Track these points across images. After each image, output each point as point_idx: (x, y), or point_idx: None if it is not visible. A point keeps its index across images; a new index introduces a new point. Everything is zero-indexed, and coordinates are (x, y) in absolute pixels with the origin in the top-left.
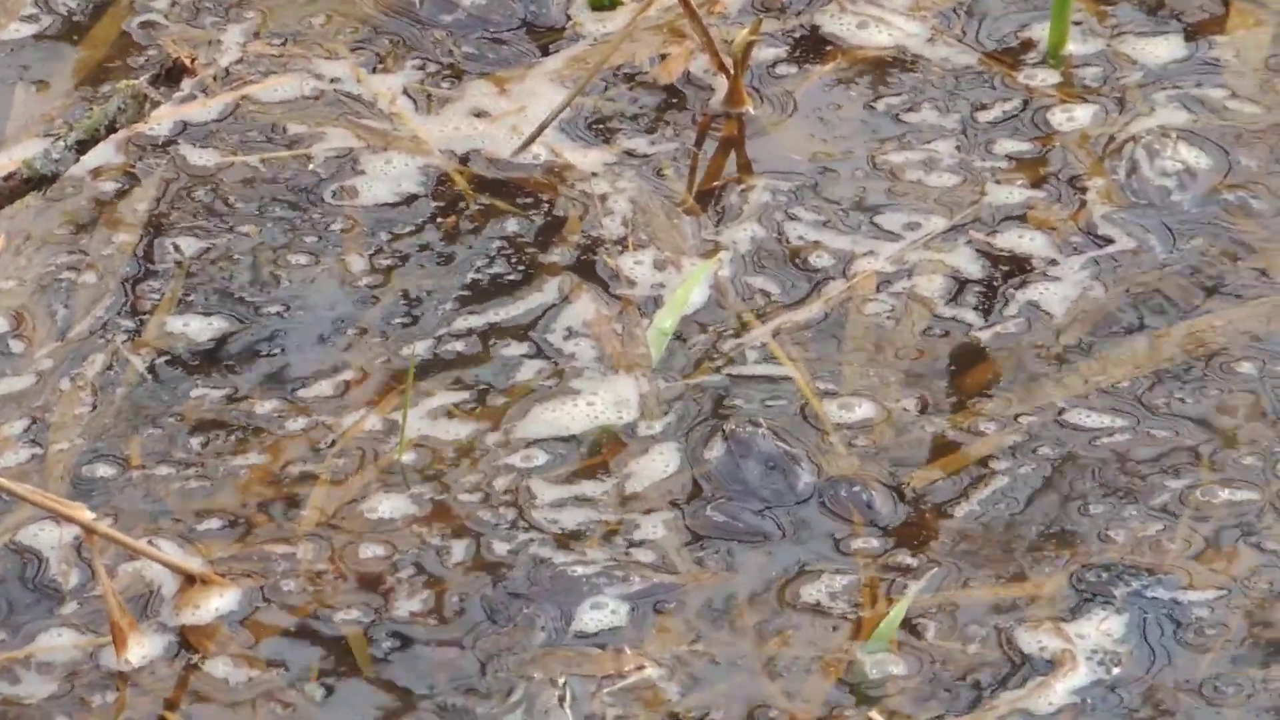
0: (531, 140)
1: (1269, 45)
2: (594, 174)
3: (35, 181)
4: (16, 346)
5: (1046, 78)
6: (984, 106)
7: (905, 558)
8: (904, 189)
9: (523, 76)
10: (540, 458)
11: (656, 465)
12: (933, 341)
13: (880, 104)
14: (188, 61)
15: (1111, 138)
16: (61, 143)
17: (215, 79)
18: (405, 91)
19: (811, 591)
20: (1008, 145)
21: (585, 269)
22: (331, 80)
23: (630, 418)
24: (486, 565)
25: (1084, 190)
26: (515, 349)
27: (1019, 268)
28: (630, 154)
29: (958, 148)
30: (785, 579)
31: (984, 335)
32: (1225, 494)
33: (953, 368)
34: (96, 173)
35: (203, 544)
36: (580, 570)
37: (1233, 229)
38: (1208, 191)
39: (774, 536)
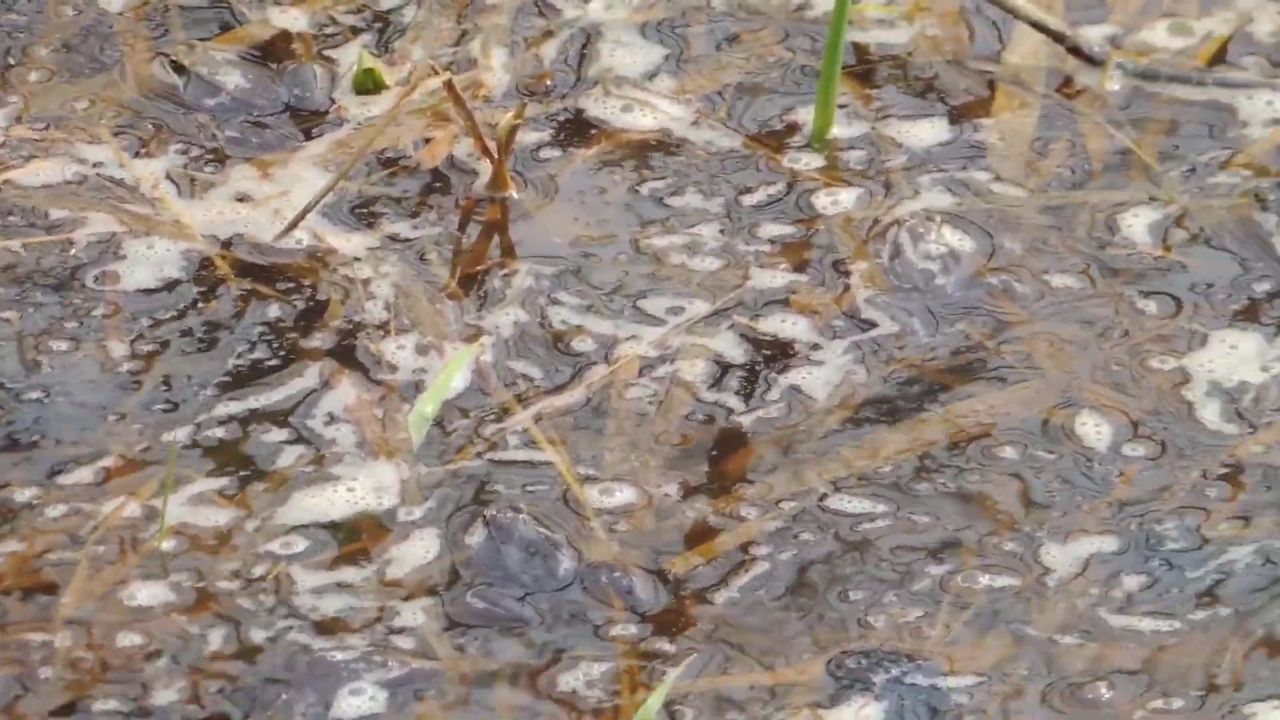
0: (294, 225)
1: (1034, 128)
2: (357, 259)
3: None
4: None
5: (811, 161)
6: (748, 190)
7: (665, 644)
8: (667, 273)
9: (286, 161)
10: (300, 544)
11: (417, 551)
12: (695, 426)
13: (644, 188)
14: None
15: (876, 221)
16: None
17: None
18: (168, 176)
19: (569, 679)
20: (771, 229)
21: (346, 354)
22: (94, 164)
23: (391, 503)
24: (245, 652)
25: (848, 274)
26: (276, 434)
27: (782, 352)
28: (394, 238)
29: (721, 231)
30: (543, 666)
31: (746, 420)
32: (986, 579)
33: (715, 453)
34: None
35: None
36: (339, 656)
37: (996, 312)
38: (972, 275)
39: (534, 623)
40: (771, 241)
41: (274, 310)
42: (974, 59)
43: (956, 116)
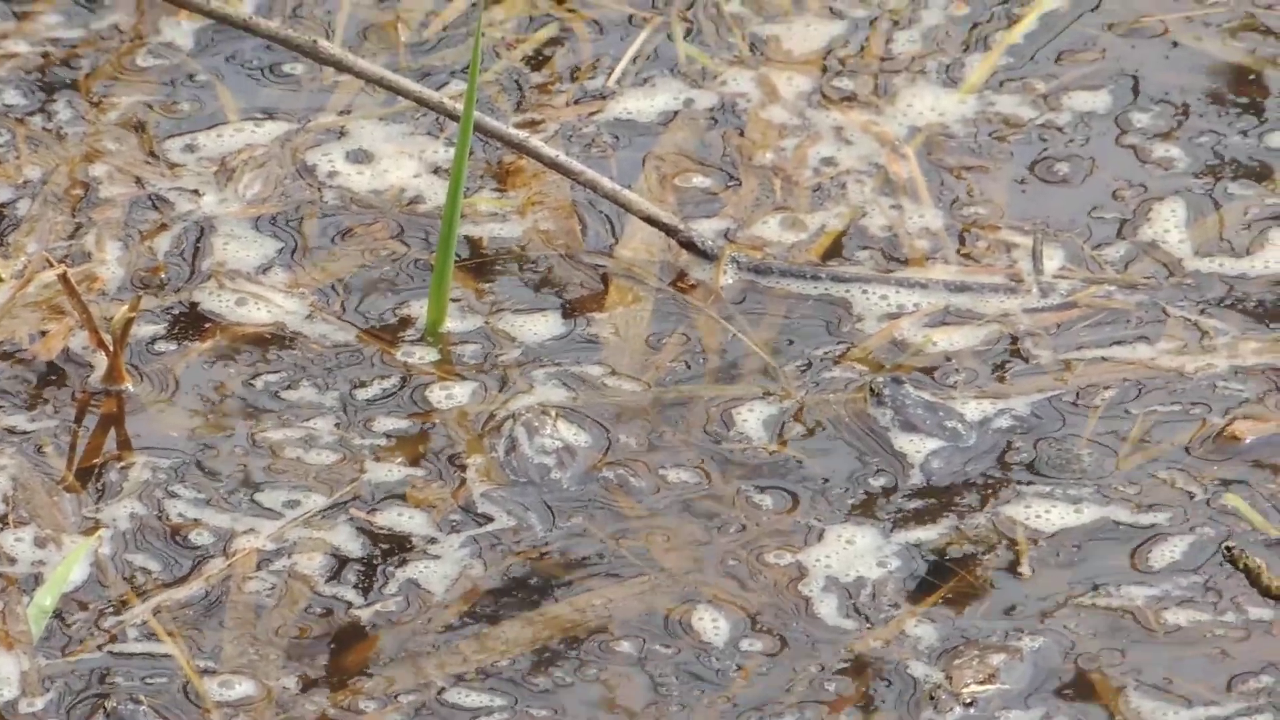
0: None
1: (648, 322)
2: None
3: None
4: None
5: (425, 355)
6: (363, 384)
7: None
8: (284, 466)
9: None
10: None
11: None
12: (314, 619)
13: (259, 381)
14: None
15: (491, 415)
16: None
17: None
18: None
19: None
20: (387, 423)
21: None
22: None
23: (12, 695)
24: None
25: (464, 468)
26: None
27: (400, 545)
28: (10, 431)
29: (337, 425)
30: None
31: (365, 613)
32: None
33: (334, 645)
34: None
35: None
36: None
37: (613, 507)
38: (588, 469)
39: None
40: (387, 435)
41: None
42: (587, 253)
43: (570, 310)
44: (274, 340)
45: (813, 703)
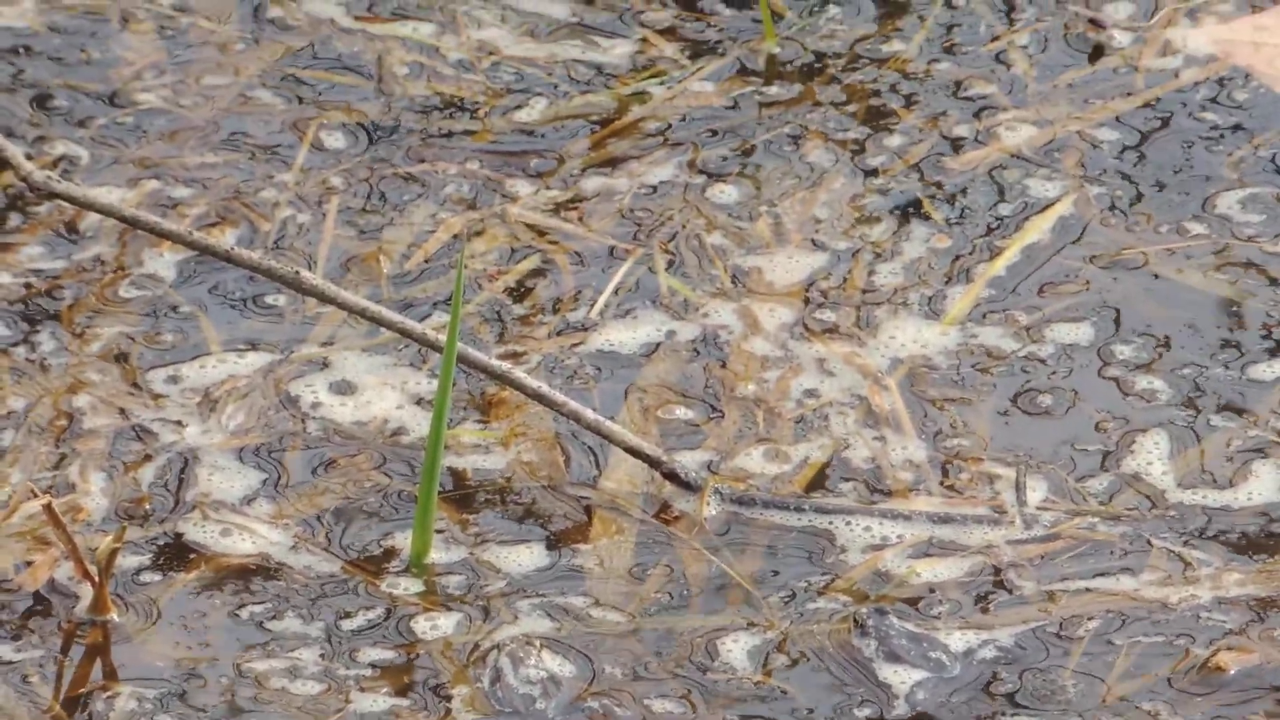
0: None
1: (632, 553)
2: None
3: None
4: None
5: (410, 586)
6: (348, 614)
7: None
8: (269, 696)
9: None
10: None
11: None
12: None
13: (244, 611)
14: None
15: (476, 646)
16: None
17: None
18: None
19: None
20: (372, 654)
21: None
22: None
23: None
24: None
25: (449, 698)
26: None
27: None
28: None
29: (322, 655)
30: None
31: None
32: None
33: None
34: None
35: None
36: None
37: None
38: (573, 699)
39: None
40: (372, 665)
41: None
42: (571, 484)
43: (555, 541)
44: (259, 571)
45: None
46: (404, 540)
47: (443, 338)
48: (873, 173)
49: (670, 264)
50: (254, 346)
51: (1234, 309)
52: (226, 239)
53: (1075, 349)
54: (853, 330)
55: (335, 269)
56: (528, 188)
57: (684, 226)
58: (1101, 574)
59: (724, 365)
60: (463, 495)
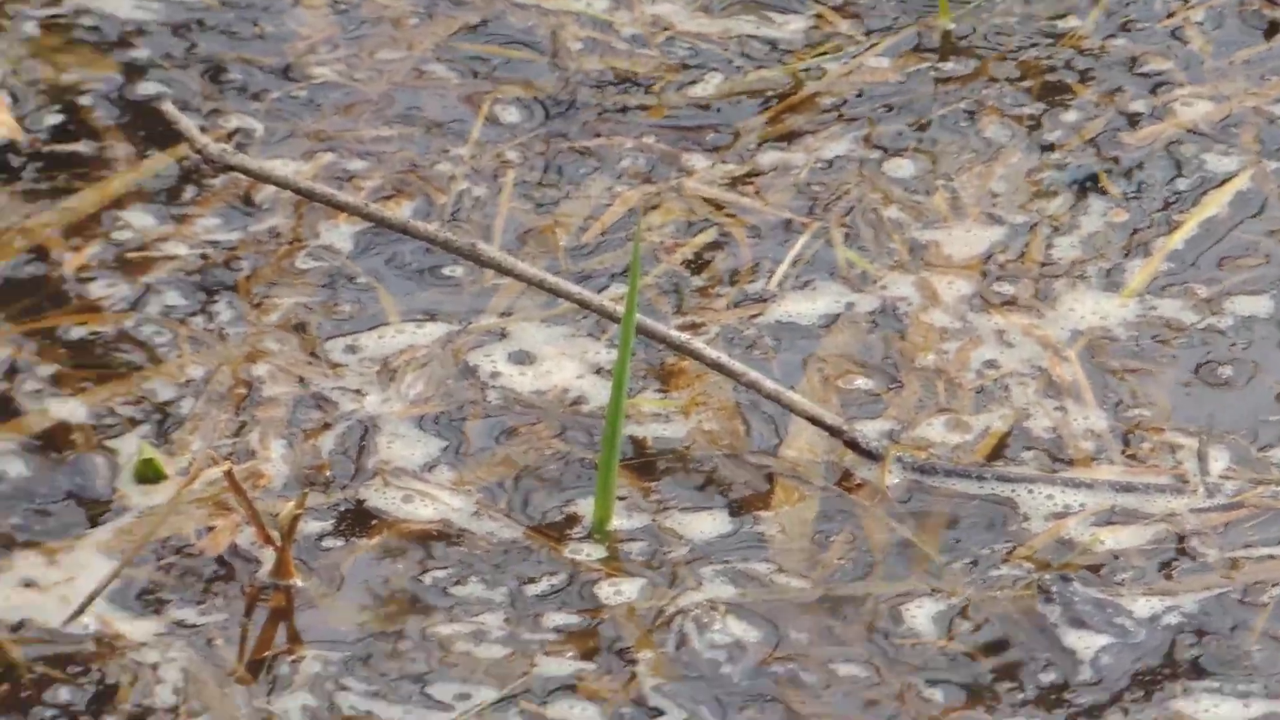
0: (81, 611)
1: (813, 521)
2: (144, 644)
3: None
4: None
5: (592, 552)
6: (531, 580)
7: None
8: (454, 660)
9: (71, 547)
10: None
11: None
12: None
13: (427, 577)
14: None
15: (660, 611)
16: None
17: None
18: None
19: None
20: (556, 618)
21: None
22: None
23: None
24: None
25: (634, 662)
26: None
27: None
28: (180, 624)
29: (506, 620)
30: None
31: None
32: None
33: None
34: None
35: None
36: None
37: (784, 701)
38: (757, 664)
39: None
40: (557, 630)
41: (65, 694)
42: (751, 453)
43: (736, 509)
44: (440, 537)
45: None
46: (585, 507)
47: (621, 308)
48: (1049, 148)
49: (846, 237)
50: (432, 317)
51: None
52: (403, 211)
53: (1255, 321)
54: (1031, 302)
55: (511, 242)
56: (703, 162)
57: (860, 201)
58: None
59: (903, 336)
60: (643, 463)
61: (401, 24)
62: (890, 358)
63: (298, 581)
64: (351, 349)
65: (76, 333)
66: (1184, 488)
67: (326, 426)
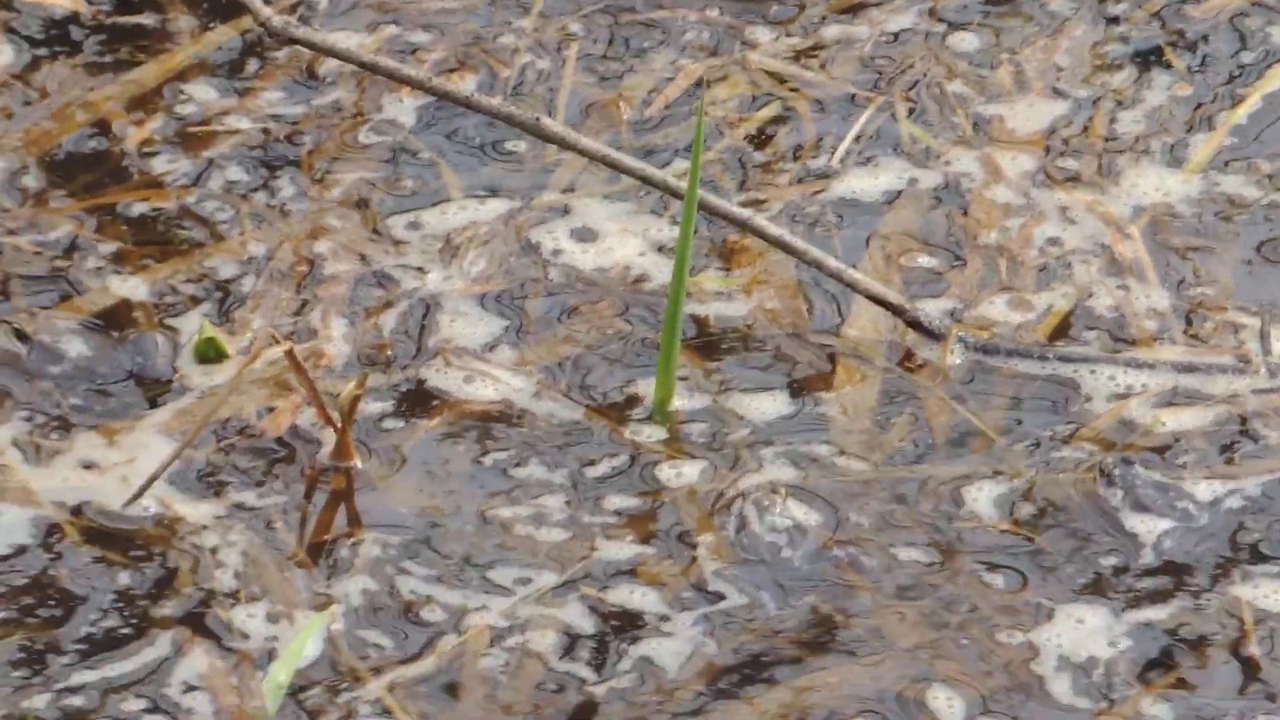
0: (141, 493)
1: (875, 402)
2: (204, 526)
3: None
4: None
5: (653, 434)
6: (591, 462)
7: None
8: (514, 543)
9: (131, 428)
10: None
11: None
12: (548, 696)
13: (488, 458)
14: None
15: (720, 494)
16: None
17: None
18: (14, 443)
19: None
20: (616, 501)
21: (198, 622)
22: None
23: None
24: None
25: (694, 546)
26: (133, 704)
27: (631, 623)
28: (240, 507)
29: (567, 503)
30: None
31: (598, 690)
32: None
33: None
34: None
35: None
36: None
37: (844, 585)
38: (818, 548)
39: None
40: (617, 513)
41: (125, 578)
42: (814, 332)
43: (798, 390)
44: (501, 418)
45: None
46: (646, 388)
47: (683, 184)
48: (1114, 20)
49: (911, 111)
50: (494, 193)
51: None
52: (466, 85)
53: None
54: (1095, 178)
55: (575, 116)
56: (767, 35)
57: (925, 75)
58: None
59: (966, 213)
60: (705, 343)
61: None
62: (953, 235)
63: (358, 463)
64: (413, 225)
65: (138, 209)
66: (1246, 368)
67: (388, 305)
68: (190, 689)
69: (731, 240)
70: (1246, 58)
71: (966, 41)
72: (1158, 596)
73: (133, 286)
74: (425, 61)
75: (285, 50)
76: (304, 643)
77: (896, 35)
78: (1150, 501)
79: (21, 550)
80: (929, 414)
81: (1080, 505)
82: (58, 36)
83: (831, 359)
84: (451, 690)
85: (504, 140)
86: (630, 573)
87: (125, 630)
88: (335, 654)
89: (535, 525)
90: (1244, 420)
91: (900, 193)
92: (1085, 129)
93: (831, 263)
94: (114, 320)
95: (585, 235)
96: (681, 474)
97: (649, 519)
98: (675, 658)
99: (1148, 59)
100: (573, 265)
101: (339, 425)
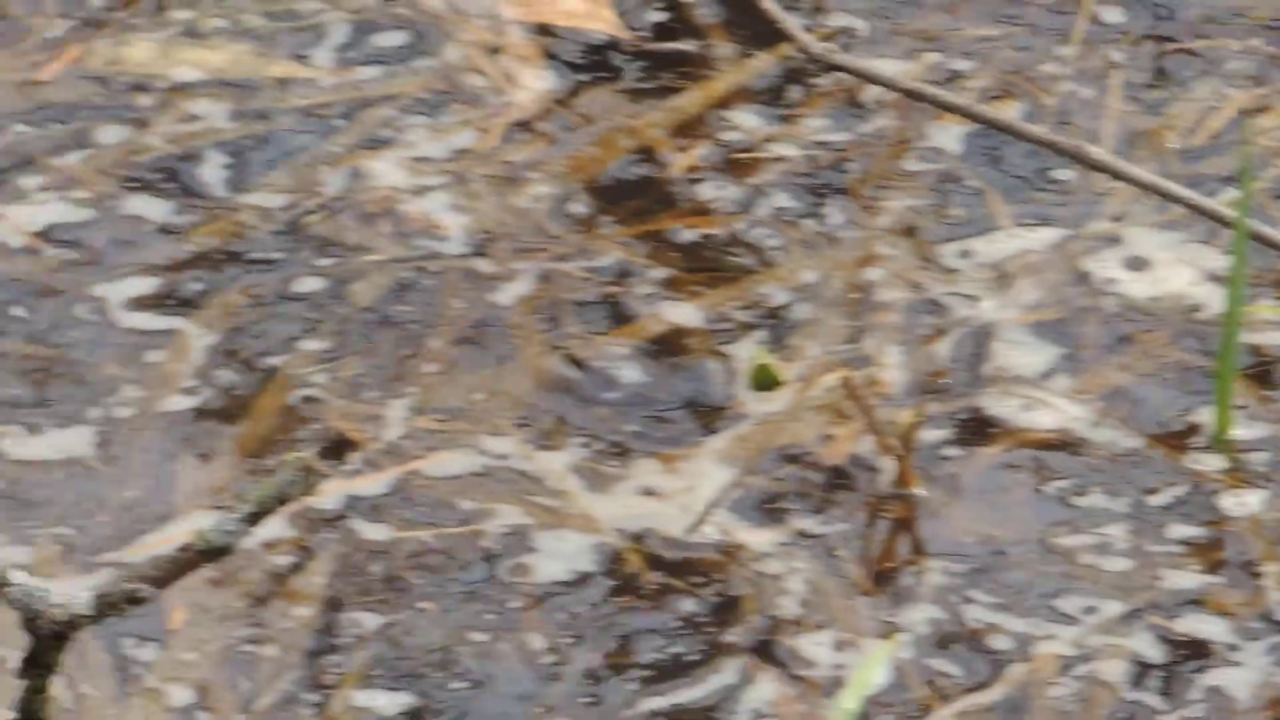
0: (702, 520)
1: None
2: (767, 554)
3: (209, 553)
4: (203, 719)
5: (1213, 462)
6: (1152, 491)
7: None
8: (1079, 572)
9: (690, 455)
10: None
11: None
12: None
13: (1048, 487)
14: (352, 435)
15: None
16: (234, 515)
17: (381, 454)
18: (574, 469)
19: None
20: (1179, 530)
21: (764, 650)
22: (498, 456)
23: None
24: None
25: (1259, 575)
26: None
27: (1199, 652)
28: (802, 534)
29: (1130, 532)
30: None
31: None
32: None
33: None
34: (269, 545)
35: None
36: None
37: None
38: None
39: None
40: (1181, 543)
41: (689, 605)
42: None
43: None
44: (1061, 446)
45: None
46: (1204, 416)
47: (1233, 213)
48: None
49: None
50: (1044, 221)
51: None
52: (1009, 112)
53: None
54: None
55: (1120, 145)
56: None
57: None
58: None
59: None
60: (1261, 371)
61: None
62: None
63: (920, 491)
64: (964, 253)
65: (687, 235)
66: None
67: (941, 332)
68: (760, 717)
69: None
70: None
71: None
72: None
73: (685, 313)
74: (967, 88)
75: (829, 78)
76: (872, 670)
77: None
78: None
79: (586, 577)
80: None
81: None
82: (598, 62)
83: None
84: (1020, 718)
85: (1050, 169)
86: (1197, 602)
87: (692, 657)
88: (903, 682)
89: (1099, 554)
90: None
91: None
92: None
93: None
94: (667, 347)
95: (1137, 264)
96: (1244, 503)
97: (1213, 548)
98: (1245, 687)
99: None
100: (1126, 294)
101: (900, 453)
